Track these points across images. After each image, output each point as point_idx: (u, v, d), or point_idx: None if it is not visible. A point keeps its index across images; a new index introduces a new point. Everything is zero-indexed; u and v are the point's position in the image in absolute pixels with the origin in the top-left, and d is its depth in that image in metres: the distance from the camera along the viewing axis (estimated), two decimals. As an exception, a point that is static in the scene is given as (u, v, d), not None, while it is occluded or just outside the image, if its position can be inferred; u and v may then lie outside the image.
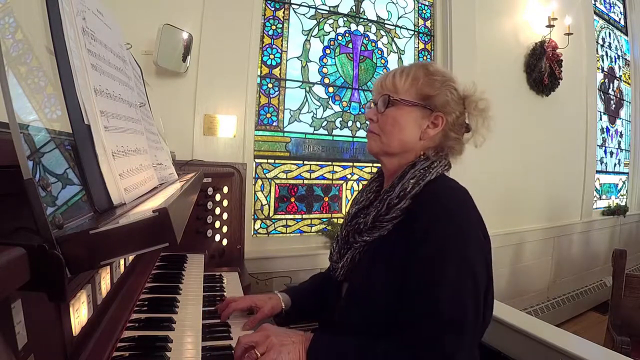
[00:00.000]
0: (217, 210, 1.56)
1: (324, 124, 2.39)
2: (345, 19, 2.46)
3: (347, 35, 2.46)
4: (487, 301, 0.83)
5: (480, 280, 0.79)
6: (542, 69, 3.06)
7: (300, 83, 2.31)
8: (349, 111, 2.46)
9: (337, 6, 2.44)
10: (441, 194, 0.84)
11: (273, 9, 2.23)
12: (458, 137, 0.94)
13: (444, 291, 0.75)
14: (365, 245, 0.90)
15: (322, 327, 1.04)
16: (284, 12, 2.26)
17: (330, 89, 2.41)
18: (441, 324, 0.74)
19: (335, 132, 2.42)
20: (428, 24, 2.75)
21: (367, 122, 0.97)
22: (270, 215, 2.25)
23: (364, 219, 0.90)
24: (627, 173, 4.41)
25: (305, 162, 2.34)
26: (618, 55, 4.27)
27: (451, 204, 0.82)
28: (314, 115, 2.36)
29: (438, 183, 0.87)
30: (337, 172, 2.44)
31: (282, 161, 2.28)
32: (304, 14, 2.32)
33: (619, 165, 4.30)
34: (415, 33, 2.71)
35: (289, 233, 2.30)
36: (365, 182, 2.48)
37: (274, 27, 2.23)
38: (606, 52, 4.09)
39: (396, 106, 0.90)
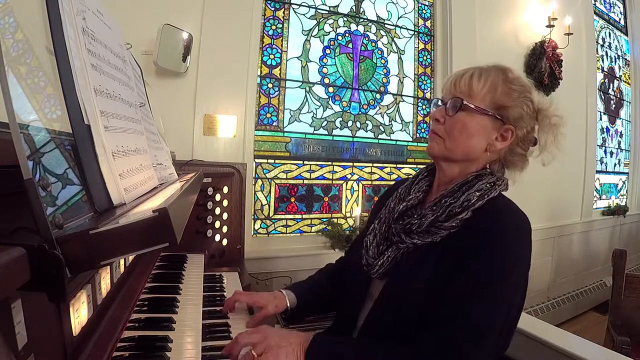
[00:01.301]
0: (217, 210, 1.56)
1: (324, 124, 2.39)
2: (345, 19, 2.46)
3: (347, 35, 2.46)
4: (511, 329, 0.82)
5: (514, 308, 0.79)
6: (542, 69, 3.06)
7: (300, 83, 2.31)
8: (349, 111, 2.46)
9: (337, 6, 2.44)
10: (504, 214, 0.81)
11: (273, 9, 2.23)
12: (523, 154, 0.89)
13: (478, 307, 0.74)
14: (412, 247, 0.86)
15: (340, 325, 0.99)
16: (284, 12, 2.26)
17: (330, 89, 2.41)
18: (464, 333, 0.73)
19: (335, 132, 2.42)
20: (428, 24, 2.75)
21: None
22: (270, 215, 2.25)
23: (419, 221, 0.85)
24: (627, 173, 4.41)
25: (305, 162, 2.34)
26: (618, 55, 4.28)
27: (512, 226, 0.80)
28: (314, 115, 2.36)
29: (501, 202, 0.84)
30: (337, 172, 2.44)
31: (282, 161, 2.28)
32: (304, 14, 2.32)
33: (619, 165, 4.31)
34: (415, 33, 2.71)
35: (289, 233, 2.30)
36: (367, 179, 2.45)
37: (274, 27, 2.23)
38: (606, 52, 4.09)
39: (468, 112, 0.84)
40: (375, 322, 0.87)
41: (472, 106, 0.84)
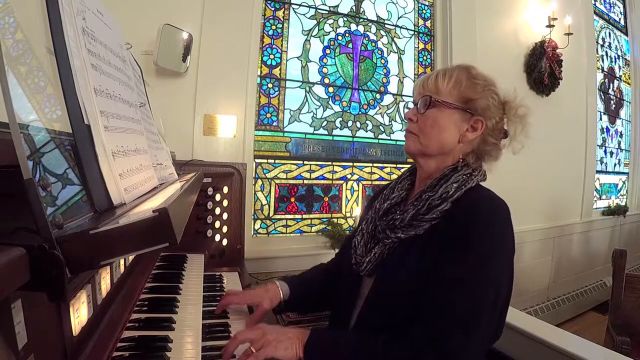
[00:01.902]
0: (217, 210, 1.56)
1: (324, 124, 2.39)
2: (345, 19, 2.46)
3: (347, 35, 2.46)
4: (502, 314, 0.84)
5: (502, 292, 0.80)
6: (542, 69, 3.06)
7: (300, 83, 2.31)
8: (349, 111, 2.46)
9: (337, 6, 2.44)
10: (483, 203, 0.85)
11: (273, 9, 2.23)
12: (496, 143, 0.94)
13: (465, 293, 0.76)
14: (397, 242, 0.90)
15: (335, 324, 1.02)
16: (284, 12, 2.26)
17: (330, 89, 2.41)
18: (453, 322, 0.74)
19: (335, 132, 2.42)
20: (428, 24, 2.75)
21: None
22: (270, 215, 2.25)
23: (401, 216, 0.89)
24: (627, 173, 4.41)
25: (305, 162, 2.34)
26: (618, 55, 4.27)
27: (491, 214, 0.83)
28: (314, 115, 2.36)
29: (479, 191, 0.88)
30: (337, 172, 2.44)
31: (282, 161, 2.28)
32: (304, 14, 2.32)
33: (619, 165, 4.30)
34: (415, 33, 2.71)
35: (289, 233, 2.30)
36: (366, 179, 2.46)
37: (274, 27, 2.23)
38: (606, 52, 4.09)
39: (437, 108, 0.90)
40: (367, 319, 0.89)
41: (440, 101, 0.90)
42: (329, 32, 2.41)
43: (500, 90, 0.94)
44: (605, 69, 4.05)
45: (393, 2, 2.63)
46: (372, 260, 0.92)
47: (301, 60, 2.32)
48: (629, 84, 4.40)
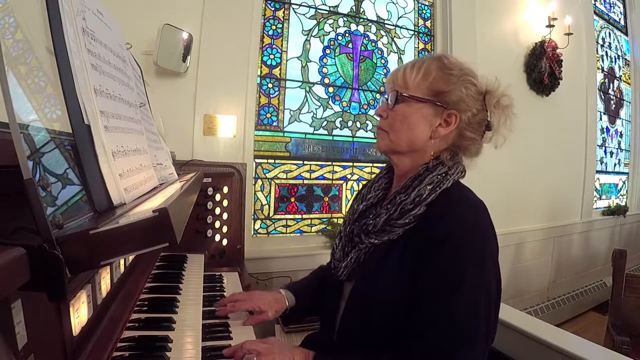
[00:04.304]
0: (217, 210, 1.56)
1: (324, 124, 2.39)
2: (345, 19, 2.46)
3: (347, 35, 2.46)
4: (495, 315, 0.82)
5: (492, 294, 0.78)
6: (542, 69, 3.06)
7: (300, 83, 2.31)
8: (349, 111, 2.46)
9: (337, 6, 2.43)
10: (459, 205, 0.81)
11: (273, 9, 2.23)
12: (474, 137, 0.87)
13: (459, 303, 0.73)
14: (371, 247, 0.87)
15: (323, 326, 1.01)
16: (284, 12, 2.26)
17: (330, 89, 2.41)
18: (456, 336, 0.72)
19: (335, 132, 2.42)
20: (428, 24, 2.75)
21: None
22: (270, 215, 2.25)
23: (374, 221, 0.85)
24: (627, 173, 4.41)
25: (305, 162, 2.34)
26: (618, 55, 4.27)
27: (468, 214, 0.79)
28: (314, 115, 2.36)
29: (455, 192, 0.83)
30: (337, 172, 2.44)
31: (282, 161, 2.28)
32: (304, 14, 2.32)
33: (619, 165, 4.30)
34: (415, 33, 2.71)
35: (289, 233, 2.30)
36: (367, 179, 2.47)
37: (274, 27, 2.23)
38: (606, 52, 4.09)
39: (406, 102, 0.85)
40: (349, 323, 0.88)
41: (407, 95, 0.84)
42: (329, 32, 2.41)
43: (481, 80, 0.87)
44: (605, 69, 4.04)
45: (393, 2, 2.63)
46: (349, 265, 0.89)
47: (301, 60, 2.32)
48: (629, 84, 4.40)
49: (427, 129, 0.85)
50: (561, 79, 3.18)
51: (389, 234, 0.83)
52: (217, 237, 1.57)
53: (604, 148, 4.05)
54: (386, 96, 0.90)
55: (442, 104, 0.84)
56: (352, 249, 0.91)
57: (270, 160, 2.24)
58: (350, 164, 2.48)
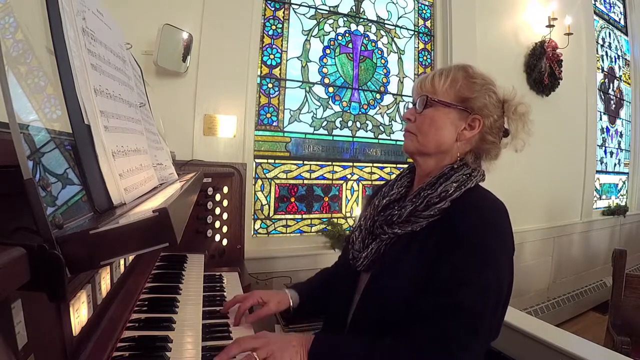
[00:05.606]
0: (217, 210, 1.56)
1: (324, 124, 2.39)
2: (345, 19, 2.46)
3: (347, 35, 2.46)
4: (502, 314, 0.84)
5: (502, 294, 0.81)
6: (542, 69, 3.06)
7: (300, 83, 2.31)
8: (349, 111, 2.46)
9: (337, 6, 2.44)
10: (482, 203, 0.86)
11: (273, 9, 2.23)
12: (495, 141, 0.94)
13: (469, 295, 0.76)
14: (394, 238, 0.91)
15: (331, 322, 1.02)
16: (284, 12, 2.26)
17: (330, 89, 2.41)
18: (459, 325, 0.75)
19: (335, 132, 2.42)
20: (428, 24, 2.75)
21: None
22: (270, 215, 2.25)
23: (399, 212, 0.90)
24: (627, 173, 4.41)
25: (305, 162, 2.34)
26: (618, 55, 4.27)
27: (491, 214, 0.84)
28: (314, 115, 2.36)
29: (479, 192, 0.89)
30: (337, 172, 2.44)
31: (282, 161, 2.28)
32: (304, 14, 2.32)
33: (619, 165, 4.30)
34: (415, 33, 2.71)
35: (289, 233, 2.30)
36: (366, 179, 2.46)
37: (274, 27, 2.23)
38: (606, 52, 4.09)
39: (434, 107, 0.92)
40: (363, 315, 0.89)
41: (436, 100, 0.91)
42: (329, 32, 2.41)
43: (499, 89, 0.95)
44: (605, 69, 4.05)
45: (393, 2, 2.63)
46: (369, 256, 0.93)
47: (301, 60, 2.32)
48: (629, 84, 4.40)
49: (453, 132, 0.92)
50: (561, 79, 3.18)
51: (412, 225, 0.88)
52: (217, 237, 1.57)
53: (604, 148, 4.05)
54: (413, 102, 0.97)
55: (467, 109, 0.91)
56: (372, 241, 0.95)
57: (270, 160, 2.24)
58: (350, 164, 2.48)
